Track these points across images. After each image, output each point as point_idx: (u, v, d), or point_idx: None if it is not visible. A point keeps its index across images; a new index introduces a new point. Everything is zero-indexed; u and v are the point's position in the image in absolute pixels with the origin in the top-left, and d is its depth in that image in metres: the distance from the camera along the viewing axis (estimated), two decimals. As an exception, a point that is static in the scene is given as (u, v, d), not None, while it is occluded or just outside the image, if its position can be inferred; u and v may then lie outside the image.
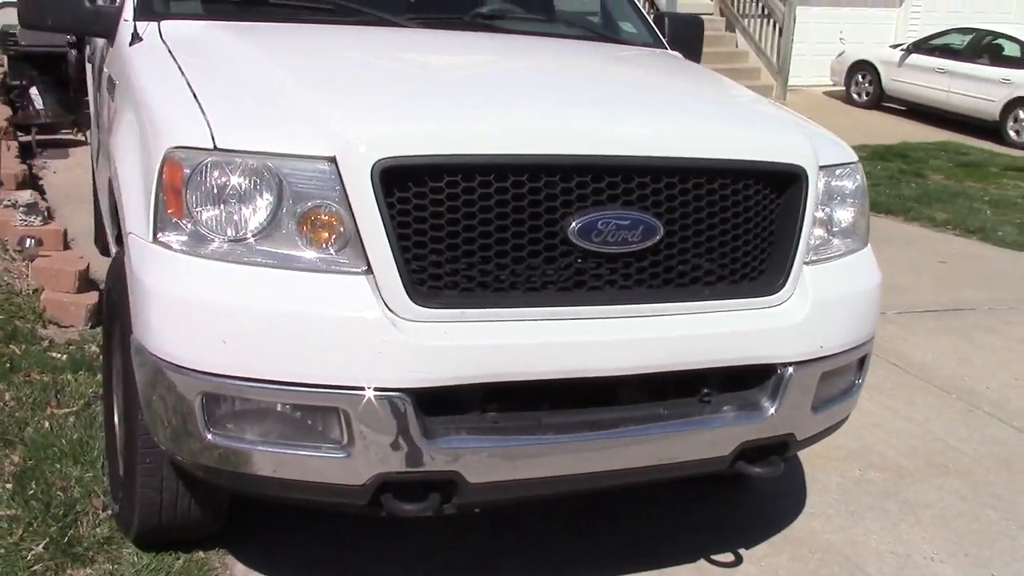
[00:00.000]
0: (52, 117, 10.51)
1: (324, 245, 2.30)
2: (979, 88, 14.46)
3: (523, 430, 2.40)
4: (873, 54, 16.13)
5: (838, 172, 2.86)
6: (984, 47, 15.02)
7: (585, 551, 3.15)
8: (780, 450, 2.74)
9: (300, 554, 3.02)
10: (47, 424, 3.56)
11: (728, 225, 2.57)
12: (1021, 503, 3.69)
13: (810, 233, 2.70)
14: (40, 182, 7.81)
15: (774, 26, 15.47)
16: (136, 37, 3.13)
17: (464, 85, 2.83)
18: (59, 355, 4.18)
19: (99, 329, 4.53)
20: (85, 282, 4.78)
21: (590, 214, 2.39)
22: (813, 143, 2.75)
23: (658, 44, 3.97)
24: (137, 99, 2.74)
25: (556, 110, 2.58)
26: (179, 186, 2.34)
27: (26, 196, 5.19)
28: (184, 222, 2.34)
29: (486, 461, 2.38)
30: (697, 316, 2.55)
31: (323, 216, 2.30)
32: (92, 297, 4.68)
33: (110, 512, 3.02)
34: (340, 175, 2.28)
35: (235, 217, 2.32)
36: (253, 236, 2.31)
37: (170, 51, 2.90)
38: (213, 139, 2.32)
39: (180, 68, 2.73)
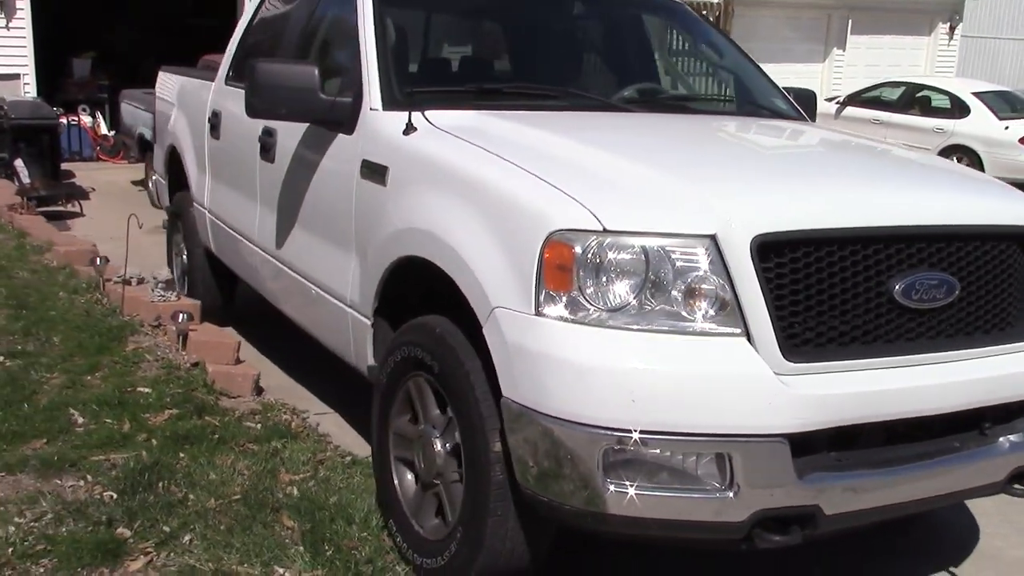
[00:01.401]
0: (47, 190, 10.48)
1: (706, 312, 2.64)
2: (914, 137, 15.48)
3: (865, 465, 2.77)
4: (809, 107, 17.13)
5: None
6: (915, 99, 16.14)
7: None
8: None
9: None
10: (295, 490, 3.75)
11: (999, 280, 3.00)
12: None
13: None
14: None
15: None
16: (411, 127, 3.42)
17: (778, 166, 3.23)
18: (254, 424, 4.35)
19: (262, 397, 4.73)
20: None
21: (908, 276, 2.79)
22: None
23: (802, 117, 4.43)
24: (469, 185, 3.03)
25: (869, 189, 3.00)
26: (567, 264, 2.65)
27: (163, 273, 5.33)
28: (573, 295, 2.65)
29: (840, 495, 2.73)
30: (981, 360, 2.96)
31: (704, 286, 2.64)
32: (254, 368, 4.86)
33: (420, 566, 3.23)
34: (719, 250, 2.63)
35: (625, 289, 2.64)
36: (644, 306, 2.63)
37: (466, 140, 3.21)
38: (600, 221, 2.65)
39: (498, 156, 3.05)
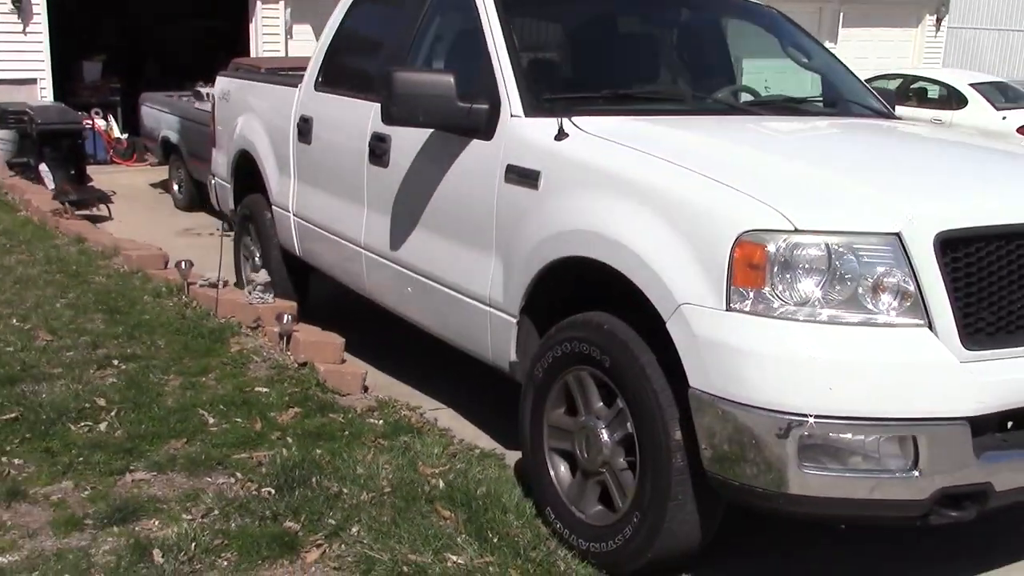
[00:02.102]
0: (78, 194, 10.51)
1: (891, 304, 2.83)
2: (913, 128, 15.80)
3: (1028, 445, 2.97)
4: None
5: None
6: (912, 91, 16.47)
7: None
8: None
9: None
10: (440, 483, 3.90)
11: None
12: None
13: None
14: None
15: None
16: (563, 133, 3.58)
17: (935, 166, 3.45)
18: (375, 421, 4.50)
19: (370, 394, 4.87)
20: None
21: (1064, 267, 3.00)
22: None
23: (897, 116, 4.64)
24: (642, 189, 3.20)
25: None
26: (759, 262, 2.83)
27: (262, 275, 5.45)
28: (764, 291, 2.84)
29: (1009, 472, 2.93)
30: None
31: (890, 280, 2.83)
32: (362, 366, 5.01)
33: (588, 550, 3.40)
34: (904, 246, 2.82)
35: (815, 286, 2.83)
36: (835, 301, 2.82)
37: (628, 145, 3.39)
38: (791, 221, 2.83)
39: (667, 160, 3.23)
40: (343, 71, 5.44)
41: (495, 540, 3.50)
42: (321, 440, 4.23)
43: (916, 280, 2.82)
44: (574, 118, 3.66)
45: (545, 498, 3.62)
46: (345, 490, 3.80)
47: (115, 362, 4.95)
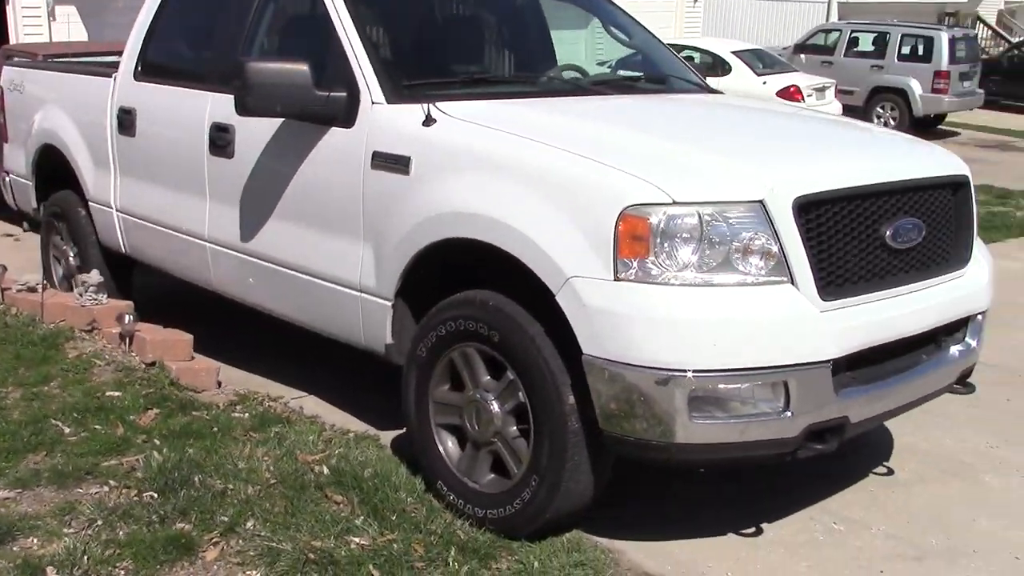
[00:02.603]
0: None
1: (759, 265, 3.13)
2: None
3: (874, 379, 3.38)
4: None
5: None
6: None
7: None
8: (970, 373, 3.90)
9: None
10: (324, 469, 3.94)
11: (942, 221, 3.68)
12: None
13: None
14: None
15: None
16: (430, 119, 3.68)
17: (780, 138, 3.77)
18: (241, 415, 4.46)
19: (224, 389, 4.82)
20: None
21: (894, 222, 3.41)
22: (955, 158, 3.96)
23: (713, 90, 5.01)
24: (519, 170, 3.35)
25: (865, 154, 3.65)
26: (643, 234, 3.07)
27: (94, 276, 5.21)
28: (648, 260, 3.07)
29: (861, 406, 3.33)
30: (938, 288, 3.64)
31: (755, 244, 3.13)
32: (212, 362, 4.93)
33: (484, 517, 3.55)
34: (767, 212, 3.12)
35: (692, 252, 3.09)
36: (709, 265, 3.09)
37: (498, 129, 3.55)
38: (668, 195, 3.08)
39: (538, 141, 3.42)
40: (168, 60, 5.28)
41: (393, 518, 3.60)
42: (190, 439, 4.16)
43: (779, 242, 3.13)
44: (438, 103, 3.75)
45: (435, 472, 3.74)
46: (230, 486, 3.78)
47: (-59, 380, 4.64)
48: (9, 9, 13.54)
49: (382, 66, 3.97)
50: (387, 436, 4.38)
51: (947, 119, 18.90)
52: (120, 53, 5.58)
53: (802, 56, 19.29)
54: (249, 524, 3.54)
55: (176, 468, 3.84)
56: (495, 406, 3.51)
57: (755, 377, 3.10)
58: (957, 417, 4.77)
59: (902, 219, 3.44)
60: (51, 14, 13.62)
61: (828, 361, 3.16)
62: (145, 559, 3.33)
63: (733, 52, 17.04)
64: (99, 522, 3.53)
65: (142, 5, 5.47)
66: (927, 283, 3.58)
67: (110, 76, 5.55)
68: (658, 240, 3.07)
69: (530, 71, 4.51)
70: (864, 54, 18.81)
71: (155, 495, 3.69)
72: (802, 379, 3.13)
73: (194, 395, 4.66)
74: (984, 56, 21.93)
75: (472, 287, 3.60)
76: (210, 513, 3.58)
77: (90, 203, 5.76)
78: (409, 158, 3.71)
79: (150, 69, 5.27)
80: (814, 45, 19.74)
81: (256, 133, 4.38)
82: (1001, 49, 27.04)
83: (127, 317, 4.92)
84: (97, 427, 4.24)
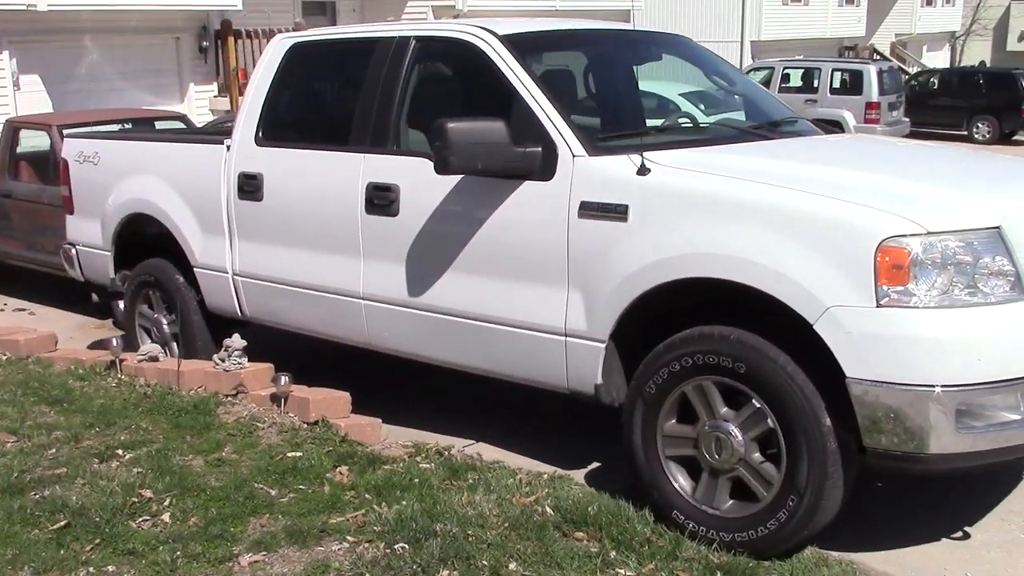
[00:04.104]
0: None
1: (1001, 285, 3.45)
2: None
3: None
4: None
5: None
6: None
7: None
8: None
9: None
10: (547, 509, 4.08)
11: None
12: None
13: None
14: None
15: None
16: (645, 168, 3.92)
17: (967, 170, 4.20)
18: (429, 466, 4.55)
19: (396, 441, 4.90)
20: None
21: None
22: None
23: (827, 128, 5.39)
24: (758, 212, 3.61)
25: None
26: (902, 263, 3.36)
27: (237, 340, 5.24)
28: (907, 288, 3.36)
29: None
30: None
31: (996, 266, 3.45)
32: (375, 418, 5.00)
33: (732, 541, 3.75)
34: (1003, 238, 3.45)
35: (944, 277, 3.39)
36: (960, 288, 3.40)
37: (719, 174, 3.81)
38: (923, 226, 3.38)
39: (769, 184, 3.69)
40: (296, 125, 5.39)
41: (643, 549, 3.77)
42: (397, 491, 4.24)
43: (1013, 262, 3.46)
44: (646, 153, 4.00)
45: (669, 502, 3.92)
46: (469, 532, 3.89)
47: (118, 452, 4.61)
48: (-28, 79, 13.26)
49: (576, 122, 4.19)
50: (577, 474, 4.54)
51: (878, 147, 19.97)
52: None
53: (739, 95, 20.10)
54: (512, 566, 3.66)
55: (413, 519, 3.93)
56: (738, 434, 3.73)
57: (1009, 388, 3.40)
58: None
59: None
60: (15, 83, 13.38)
61: (1076, 364, 3.50)
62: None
63: (681, 94, 17.68)
64: (366, 575, 3.60)
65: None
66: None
67: (219, 143, 5.63)
68: (916, 268, 3.36)
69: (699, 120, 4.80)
70: (797, 89, 19.76)
71: (406, 545, 3.78)
72: (1055, 386, 3.46)
73: (373, 450, 4.73)
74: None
75: (675, 326, 3.84)
76: (471, 558, 3.69)
77: (196, 269, 5.79)
78: (627, 206, 3.93)
79: (277, 134, 5.37)
80: (748, 83, 20.65)
81: (425, 191, 4.55)
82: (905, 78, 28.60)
83: (283, 379, 4.97)
84: (301, 487, 4.29)
